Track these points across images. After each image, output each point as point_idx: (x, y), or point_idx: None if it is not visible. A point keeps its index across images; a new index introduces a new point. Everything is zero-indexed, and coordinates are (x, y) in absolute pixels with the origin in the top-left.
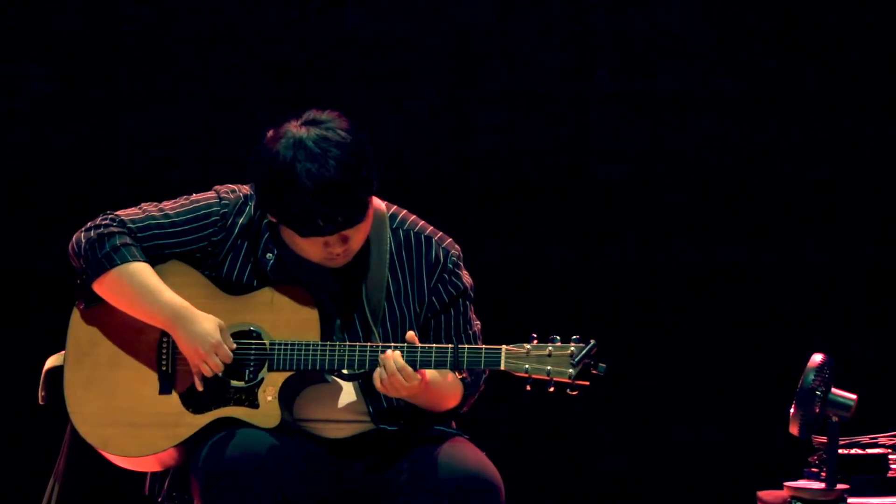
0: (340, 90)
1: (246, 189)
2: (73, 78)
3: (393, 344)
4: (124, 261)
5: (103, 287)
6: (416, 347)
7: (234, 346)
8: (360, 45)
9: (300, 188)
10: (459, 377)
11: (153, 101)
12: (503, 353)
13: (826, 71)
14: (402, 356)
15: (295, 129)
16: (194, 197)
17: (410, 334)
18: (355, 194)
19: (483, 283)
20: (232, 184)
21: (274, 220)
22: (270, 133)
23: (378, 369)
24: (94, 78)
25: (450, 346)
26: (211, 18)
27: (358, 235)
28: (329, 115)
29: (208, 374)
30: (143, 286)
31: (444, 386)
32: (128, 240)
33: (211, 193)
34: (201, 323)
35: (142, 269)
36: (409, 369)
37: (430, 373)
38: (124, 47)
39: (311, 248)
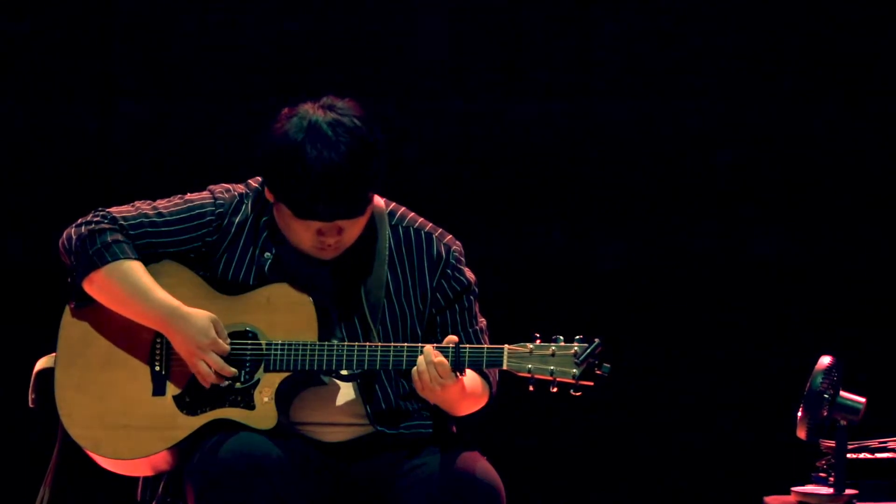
0: (340, 84)
1: (241, 188)
2: (65, 73)
3: (392, 344)
4: (115, 258)
5: (93, 285)
6: (417, 346)
7: (229, 341)
8: (362, 39)
9: (307, 170)
10: (484, 380)
11: (149, 95)
12: (505, 353)
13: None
14: (403, 356)
15: (310, 109)
16: (189, 196)
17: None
18: (360, 185)
19: (485, 283)
20: (227, 183)
21: (272, 199)
22: (285, 111)
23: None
24: (87, 74)
25: (450, 345)
26: (210, 6)
27: (353, 229)
28: (347, 102)
29: (205, 372)
30: (134, 285)
31: (479, 391)
32: (119, 236)
33: (205, 193)
34: (194, 321)
35: (133, 268)
36: (446, 364)
37: (468, 378)
38: (119, 35)
39: (304, 234)
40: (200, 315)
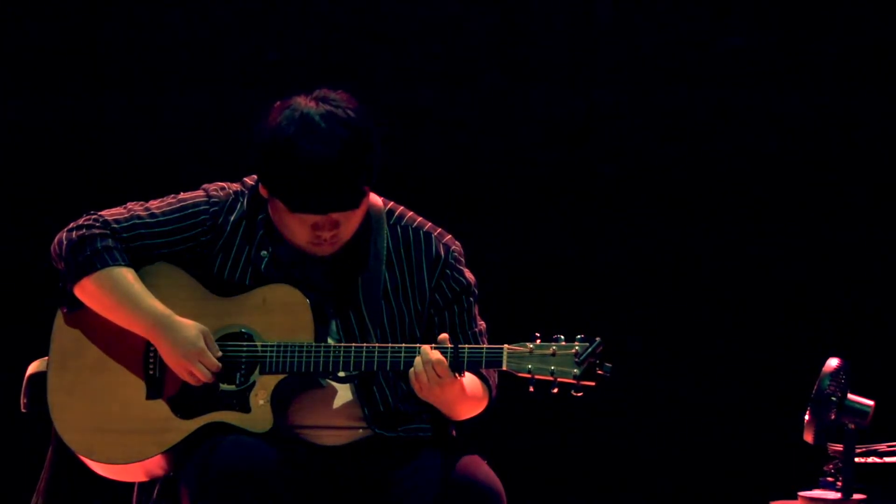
0: (336, 77)
1: (236, 186)
2: (58, 70)
3: (390, 345)
4: (105, 265)
5: (84, 292)
6: (415, 347)
7: (220, 353)
8: (359, 31)
9: (299, 162)
10: (483, 383)
11: (142, 95)
12: (505, 353)
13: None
14: (401, 357)
15: (303, 101)
16: (182, 196)
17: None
18: (354, 178)
19: (484, 282)
20: (222, 181)
21: (266, 194)
22: (277, 104)
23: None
24: (81, 71)
25: (449, 345)
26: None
27: (349, 223)
28: (340, 94)
29: (195, 383)
30: (123, 292)
31: (478, 393)
32: (110, 242)
33: (199, 192)
34: (183, 331)
35: (124, 275)
36: (444, 362)
37: (467, 381)
38: (109, 33)
39: (299, 229)
40: (190, 325)
